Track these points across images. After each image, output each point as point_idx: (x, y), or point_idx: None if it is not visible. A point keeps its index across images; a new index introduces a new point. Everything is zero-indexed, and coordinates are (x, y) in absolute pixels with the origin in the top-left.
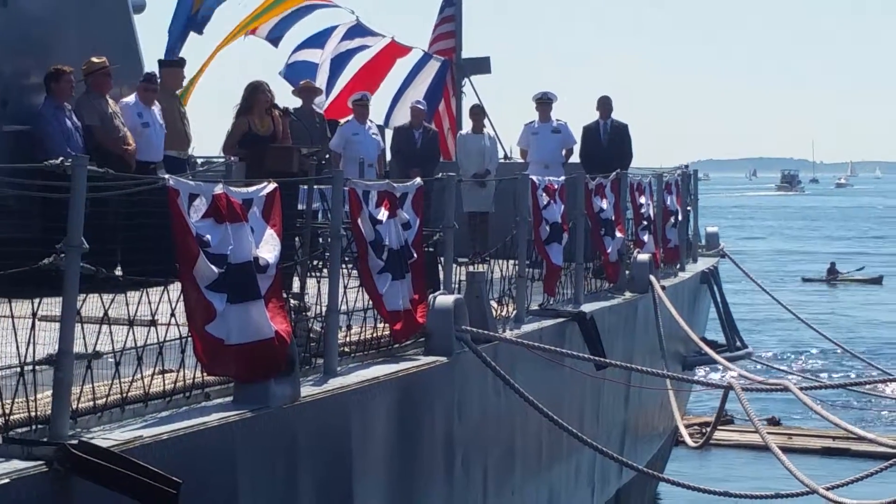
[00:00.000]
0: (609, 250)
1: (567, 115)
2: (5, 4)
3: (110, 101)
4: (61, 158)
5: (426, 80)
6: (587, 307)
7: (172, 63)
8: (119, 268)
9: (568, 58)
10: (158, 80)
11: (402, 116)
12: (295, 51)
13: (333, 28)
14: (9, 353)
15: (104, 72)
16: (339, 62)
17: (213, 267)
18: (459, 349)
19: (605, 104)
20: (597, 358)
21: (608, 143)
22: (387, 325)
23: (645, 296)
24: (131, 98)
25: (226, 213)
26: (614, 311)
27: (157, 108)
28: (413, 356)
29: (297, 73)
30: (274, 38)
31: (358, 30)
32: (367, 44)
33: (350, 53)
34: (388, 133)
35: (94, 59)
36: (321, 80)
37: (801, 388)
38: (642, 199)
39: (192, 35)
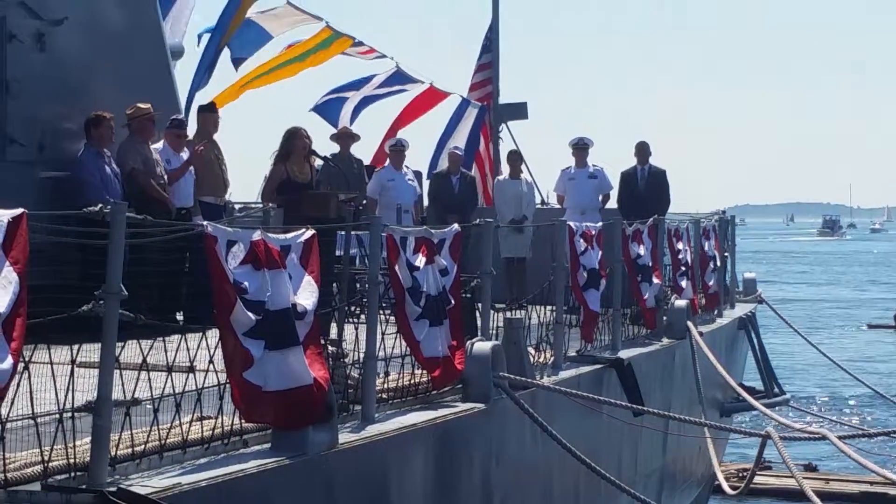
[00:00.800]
0: (646, 297)
1: (604, 161)
2: (43, 49)
3: (151, 148)
4: (100, 205)
5: (467, 126)
6: (625, 353)
7: (209, 108)
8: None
9: (604, 103)
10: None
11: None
12: (330, 92)
13: (374, 75)
14: (48, 399)
15: (149, 118)
16: (367, 101)
17: (249, 314)
18: (497, 396)
19: (642, 150)
20: (634, 406)
21: (646, 188)
22: (425, 371)
23: (682, 342)
24: (159, 144)
25: (264, 260)
26: (652, 358)
27: (185, 154)
28: (451, 403)
29: (328, 110)
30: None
31: (397, 77)
32: (405, 89)
33: (385, 96)
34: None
35: (140, 105)
36: (346, 112)
37: (839, 437)
38: (680, 245)
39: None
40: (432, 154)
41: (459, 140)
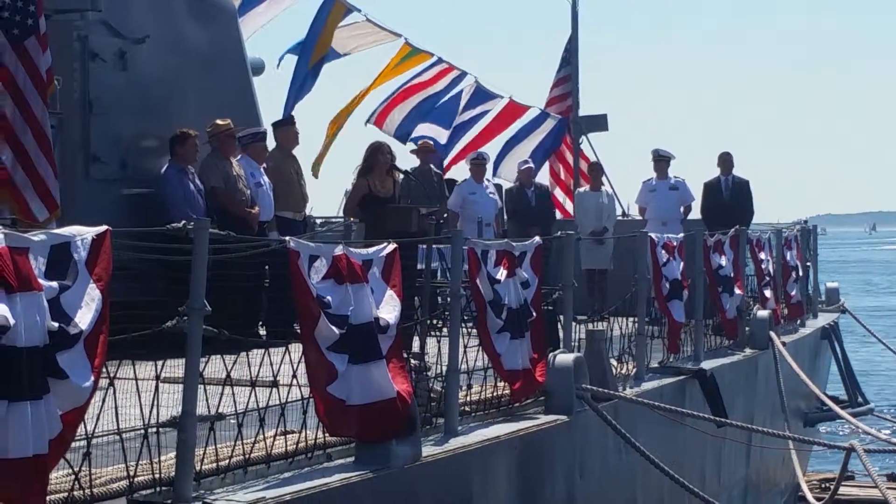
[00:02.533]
0: (727, 307)
1: (686, 172)
2: (125, 68)
3: (234, 164)
4: (183, 221)
5: (538, 137)
6: (707, 364)
7: (285, 122)
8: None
9: (685, 114)
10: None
11: (511, 169)
12: (412, 113)
13: (457, 104)
14: (133, 415)
15: (229, 133)
16: (459, 130)
17: (333, 328)
18: (580, 408)
19: (725, 160)
20: (717, 418)
21: (730, 199)
22: (506, 384)
23: (765, 352)
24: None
25: (346, 274)
26: (735, 368)
27: (262, 166)
28: (533, 415)
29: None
30: (401, 135)
31: (479, 95)
32: (487, 108)
33: (472, 121)
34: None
35: (219, 122)
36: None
37: None
38: (762, 255)
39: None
40: (496, 157)
41: (527, 149)
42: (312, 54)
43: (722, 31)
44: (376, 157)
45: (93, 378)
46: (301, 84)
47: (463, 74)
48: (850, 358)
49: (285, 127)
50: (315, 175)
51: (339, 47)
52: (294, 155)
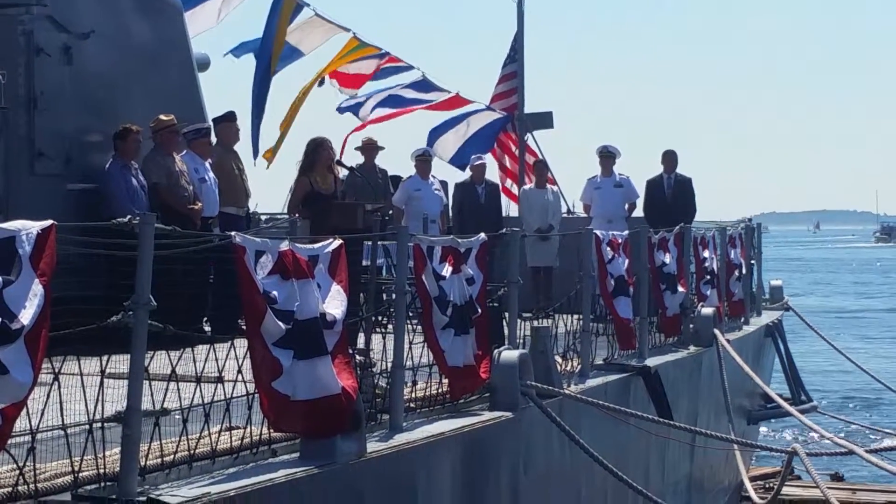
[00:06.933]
0: (668, 305)
1: (631, 170)
2: (70, 63)
3: (177, 159)
4: (129, 216)
5: (474, 126)
6: (652, 361)
7: (225, 118)
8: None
9: (631, 112)
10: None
11: (441, 149)
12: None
13: (401, 84)
14: (78, 410)
15: (172, 129)
16: (389, 101)
17: (280, 323)
18: (524, 404)
19: (669, 158)
20: (660, 419)
21: (672, 197)
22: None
23: (709, 349)
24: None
25: (292, 270)
26: (679, 366)
27: (207, 162)
28: (478, 411)
29: (353, 109)
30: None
31: (423, 84)
32: (431, 99)
33: (409, 100)
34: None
35: (163, 117)
36: (365, 110)
37: (867, 450)
38: (706, 253)
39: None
40: (428, 136)
41: (462, 132)
42: (272, 56)
43: (667, 30)
44: (318, 154)
45: (33, 373)
46: (262, 85)
47: (409, 67)
48: (794, 356)
49: (226, 123)
50: (268, 164)
51: (292, 42)
52: (236, 150)
